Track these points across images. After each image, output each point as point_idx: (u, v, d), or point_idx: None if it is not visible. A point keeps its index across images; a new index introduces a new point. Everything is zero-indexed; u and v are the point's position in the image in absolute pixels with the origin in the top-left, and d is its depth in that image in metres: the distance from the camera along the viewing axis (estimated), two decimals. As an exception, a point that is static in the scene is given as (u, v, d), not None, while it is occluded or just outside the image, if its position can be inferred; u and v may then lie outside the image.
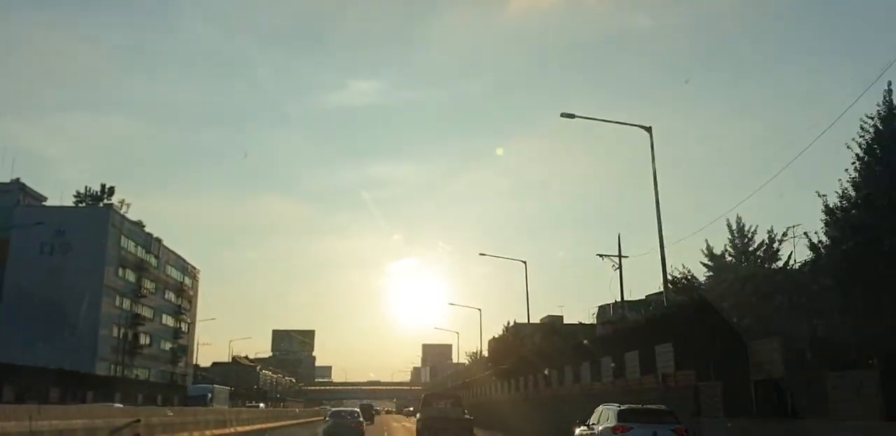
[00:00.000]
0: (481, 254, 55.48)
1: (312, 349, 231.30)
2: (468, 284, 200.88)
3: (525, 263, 49.97)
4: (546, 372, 37.49)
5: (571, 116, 26.19)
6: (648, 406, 16.87)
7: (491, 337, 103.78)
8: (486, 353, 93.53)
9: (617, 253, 40.00)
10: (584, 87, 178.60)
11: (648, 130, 24.40)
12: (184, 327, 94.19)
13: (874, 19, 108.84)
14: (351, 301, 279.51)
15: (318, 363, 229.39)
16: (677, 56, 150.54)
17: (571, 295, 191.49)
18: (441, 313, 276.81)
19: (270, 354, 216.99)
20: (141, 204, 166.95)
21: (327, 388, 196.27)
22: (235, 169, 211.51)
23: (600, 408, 17.58)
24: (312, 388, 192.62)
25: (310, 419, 58.25)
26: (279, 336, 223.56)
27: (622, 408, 16.50)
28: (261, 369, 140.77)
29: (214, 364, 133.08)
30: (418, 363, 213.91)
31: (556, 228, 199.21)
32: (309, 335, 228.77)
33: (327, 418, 33.51)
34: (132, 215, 78.15)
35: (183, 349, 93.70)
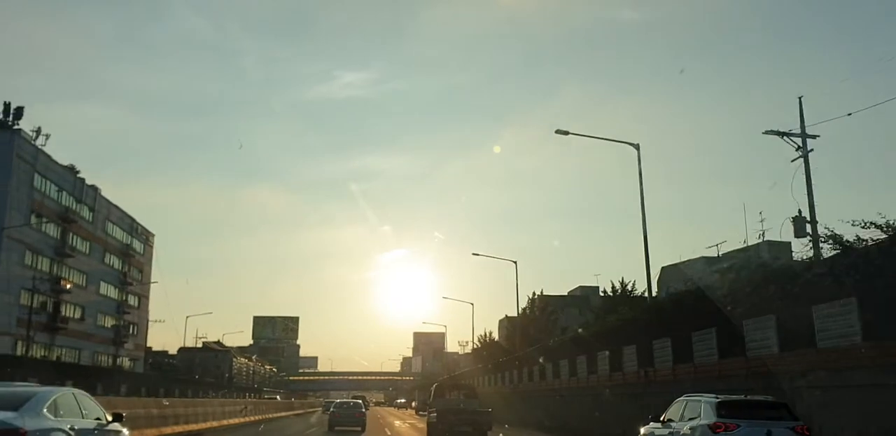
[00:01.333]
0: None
1: (297, 337, 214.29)
2: (462, 275, 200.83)
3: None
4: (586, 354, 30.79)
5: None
6: (754, 397, 13.29)
7: (503, 316, 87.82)
8: (495, 336, 77.25)
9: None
10: (577, 77, 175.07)
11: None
12: (132, 300, 76.44)
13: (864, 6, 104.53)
14: (339, 293, 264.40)
15: (303, 354, 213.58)
16: (668, 46, 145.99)
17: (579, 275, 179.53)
18: (433, 304, 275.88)
19: (252, 342, 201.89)
20: (127, 193, 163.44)
21: (311, 378, 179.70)
22: (224, 160, 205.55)
23: (682, 400, 13.99)
24: (295, 378, 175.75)
25: (255, 419, 38.67)
26: (261, 323, 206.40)
27: (721, 399, 12.81)
28: (235, 357, 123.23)
29: (182, 350, 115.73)
30: (408, 354, 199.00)
31: (551, 217, 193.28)
32: (293, 322, 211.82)
33: (332, 409, 34.58)
34: (61, 157, 60.96)
35: (130, 327, 75.98)
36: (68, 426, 8.83)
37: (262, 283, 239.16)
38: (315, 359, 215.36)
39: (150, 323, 79.46)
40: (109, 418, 10.44)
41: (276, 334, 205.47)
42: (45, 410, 8.62)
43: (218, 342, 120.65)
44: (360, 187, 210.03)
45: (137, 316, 77.22)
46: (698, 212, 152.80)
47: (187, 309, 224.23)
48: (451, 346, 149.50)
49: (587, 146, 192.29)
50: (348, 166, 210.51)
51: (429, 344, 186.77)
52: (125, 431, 11.18)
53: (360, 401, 38.54)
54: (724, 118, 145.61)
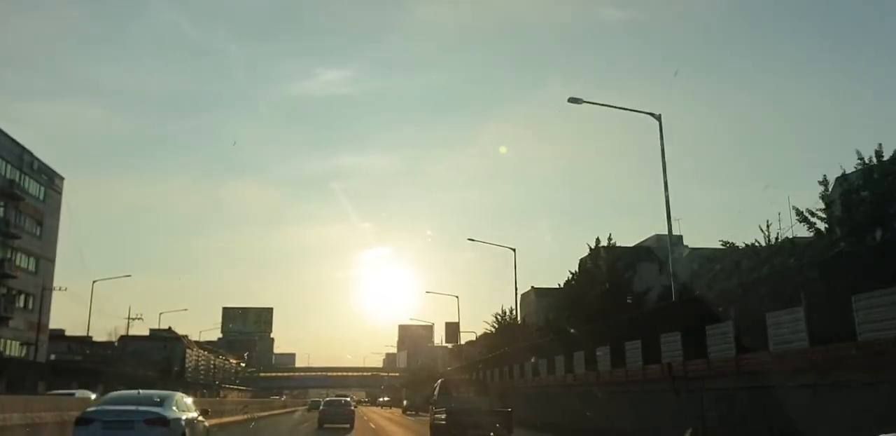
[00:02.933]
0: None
1: (271, 330, 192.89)
2: (448, 271, 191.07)
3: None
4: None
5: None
6: None
7: (528, 289, 67.68)
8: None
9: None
10: (561, 74, 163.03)
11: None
12: (24, 261, 54.75)
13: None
14: (321, 290, 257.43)
15: (280, 350, 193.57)
16: (651, 45, 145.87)
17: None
18: (417, 300, 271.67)
19: (221, 335, 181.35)
20: (107, 187, 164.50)
21: (284, 374, 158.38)
22: (205, 156, 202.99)
23: None
24: (267, 375, 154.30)
25: None
26: (231, 315, 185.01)
27: None
28: (190, 347, 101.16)
29: (123, 338, 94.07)
30: (392, 351, 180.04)
31: (537, 213, 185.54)
32: (266, 313, 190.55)
33: (322, 407, 34.62)
34: None
35: (21, 298, 54.30)
36: (184, 417, 13.88)
37: (242, 279, 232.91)
38: (292, 356, 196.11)
39: (53, 292, 57.47)
40: (198, 412, 15.44)
41: (247, 327, 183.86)
42: (174, 406, 13.74)
43: (169, 330, 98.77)
44: (343, 185, 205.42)
45: (33, 284, 55.44)
46: (683, 210, 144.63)
47: (160, 307, 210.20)
48: (437, 340, 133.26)
49: (573, 140, 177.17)
50: (331, 163, 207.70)
51: (415, 338, 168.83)
52: (206, 421, 16.16)
53: (350, 399, 39.34)
54: (713, 117, 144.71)
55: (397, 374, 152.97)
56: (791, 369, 14.10)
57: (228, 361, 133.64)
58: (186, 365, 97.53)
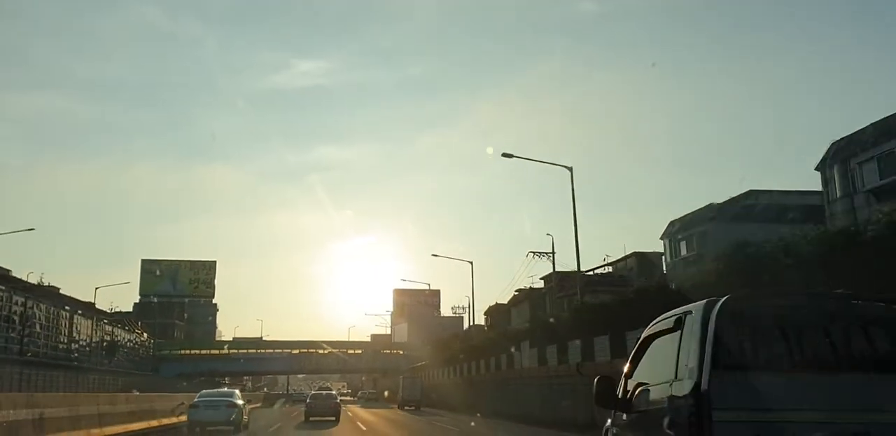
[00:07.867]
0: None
1: (213, 295, 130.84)
2: (430, 261, 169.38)
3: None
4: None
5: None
6: None
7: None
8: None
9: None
10: (541, 61, 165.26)
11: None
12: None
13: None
14: (299, 281, 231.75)
15: (244, 333, 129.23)
16: (631, 36, 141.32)
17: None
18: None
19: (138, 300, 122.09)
20: (75, 174, 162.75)
21: (222, 352, 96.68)
22: (177, 146, 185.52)
23: None
24: (189, 352, 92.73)
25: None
26: (152, 270, 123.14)
27: None
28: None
29: None
30: (379, 331, 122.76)
31: (523, 199, 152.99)
32: (205, 270, 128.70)
33: (308, 400, 35.63)
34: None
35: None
36: (241, 402, 24.21)
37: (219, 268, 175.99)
38: (257, 341, 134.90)
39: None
40: (244, 401, 25.37)
41: (178, 289, 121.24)
42: (237, 396, 25.17)
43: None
44: (322, 175, 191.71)
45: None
46: (661, 199, 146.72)
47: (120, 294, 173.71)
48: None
49: (557, 125, 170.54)
50: (310, 154, 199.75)
51: (417, 306, 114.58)
52: (247, 406, 25.61)
53: (335, 392, 41.50)
54: (693, 109, 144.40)
55: (401, 351, 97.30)
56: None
57: (110, 328, 70.69)
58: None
